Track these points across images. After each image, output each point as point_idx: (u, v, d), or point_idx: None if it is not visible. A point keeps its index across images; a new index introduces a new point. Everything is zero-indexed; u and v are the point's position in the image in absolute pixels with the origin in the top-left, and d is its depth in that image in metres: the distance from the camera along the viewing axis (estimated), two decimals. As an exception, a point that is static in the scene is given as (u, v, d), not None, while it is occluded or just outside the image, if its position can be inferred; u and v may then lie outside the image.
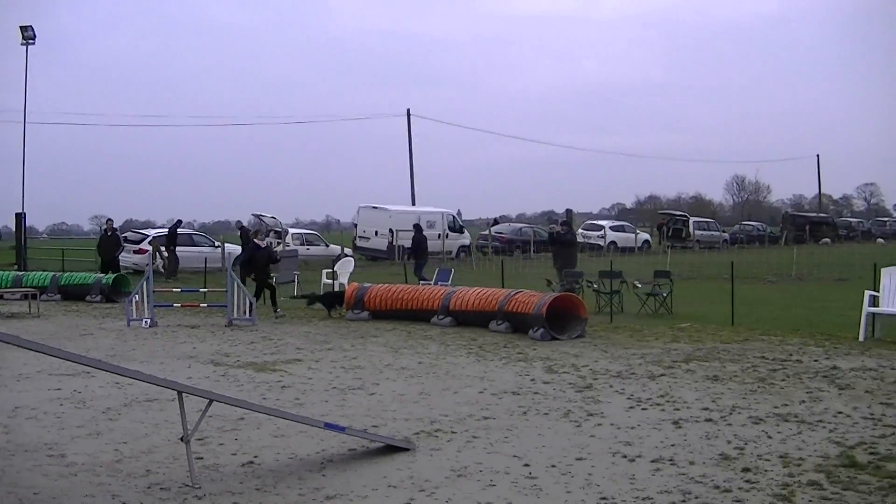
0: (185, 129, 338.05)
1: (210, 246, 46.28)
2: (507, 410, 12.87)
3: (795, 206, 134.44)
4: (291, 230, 55.13)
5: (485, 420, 12.28)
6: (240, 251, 37.78)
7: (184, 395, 9.65)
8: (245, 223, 43.45)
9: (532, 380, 15.28)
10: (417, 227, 38.23)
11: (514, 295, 21.75)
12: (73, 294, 30.88)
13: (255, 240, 27.24)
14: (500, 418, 12.39)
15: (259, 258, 26.39)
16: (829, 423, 11.85)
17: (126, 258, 40.18)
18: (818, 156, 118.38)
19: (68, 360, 9.60)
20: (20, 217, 45.05)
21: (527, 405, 13.20)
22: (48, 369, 16.19)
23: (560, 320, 20.48)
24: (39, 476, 9.77)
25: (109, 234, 37.12)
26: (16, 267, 40.93)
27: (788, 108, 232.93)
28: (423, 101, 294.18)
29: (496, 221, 69.93)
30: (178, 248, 41.78)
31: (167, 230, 43.63)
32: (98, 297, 30.17)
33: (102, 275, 32.58)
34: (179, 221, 45.88)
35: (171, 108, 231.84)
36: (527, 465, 10.00)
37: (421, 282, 32.15)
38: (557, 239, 29.34)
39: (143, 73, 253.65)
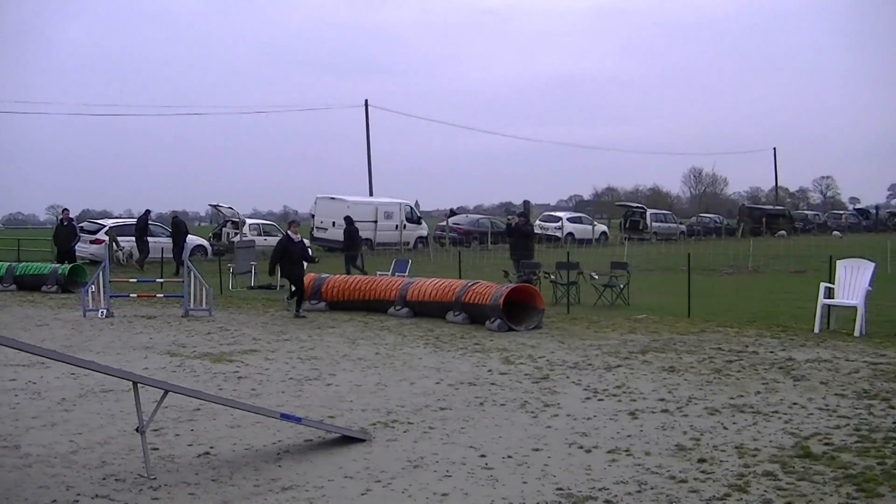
0: (142, 119, 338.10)
1: (167, 236, 46.02)
2: (463, 401, 12.89)
3: (752, 198, 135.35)
4: (249, 220, 55.01)
5: (441, 411, 12.29)
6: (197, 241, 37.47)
7: (139, 385, 9.61)
8: (178, 213, 43.13)
9: (489, 371, 15.30)
10: (348, 220, 38.18)
11: (472, 286, 21.77)
12: (29, 284, 30.57)
13: (288, 232, 25.31)
14: (457, 409, 12.40)
15: (292, 252, 24.26)
16: (785, 413, 11.93)
17: (82, 248, 39.93)
18: (775, 149, 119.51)
19: (23, 350, 9.53)
20: (-26, 206, 44.60)
21: (483, 396, 13.23)
22: (3, 360, 16.07)
23: (517, 311, 20.52)
24: (-8, 467, 9.72)
25: (66, 223, 36.90)
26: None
27: (746, 101, 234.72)
28: (381, 93, 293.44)
29: (453, 212, 69.83)
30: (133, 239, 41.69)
31: (136, 220, 43.27)
32: (54, 288, 29.91)
33: (58, 265, 32.33)
34: (149, 211, 45.29)
35: (129, 98, 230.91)
36: (483, 455, 10.01)
37: (352, 270, 32.30)
38: (516, 230, 29.27)
39: (101, 62, 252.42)
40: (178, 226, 41.31)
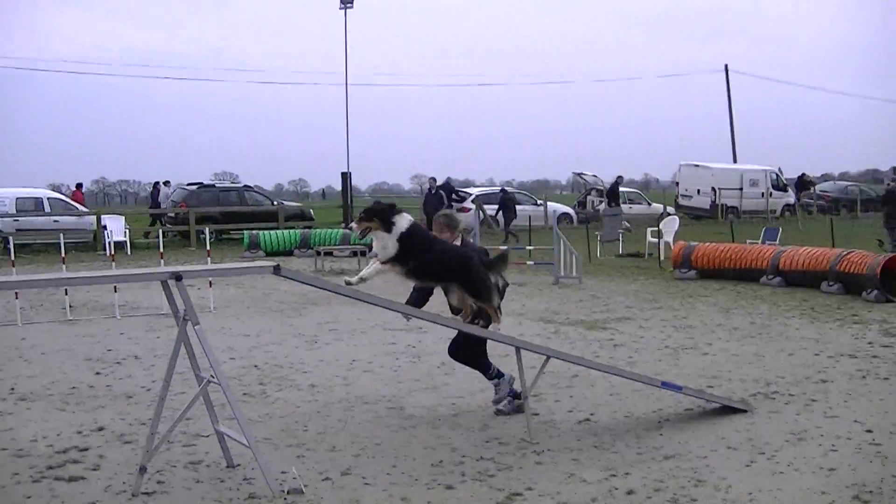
0: (513, 89, 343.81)
1: (532, 204, 46.90)
2: (844, 374, 12.51)
3: None
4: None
5: (822, 383, 11.96)
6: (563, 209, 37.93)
7: (521, 350, 9.77)
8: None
9: (869, 343, 14.80)
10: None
11: (846, 255, 21.11)
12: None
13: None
14: (838, 381, 12.05)
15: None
16: None
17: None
18: None
19: (405, 314, 9.88)
20: (346, 176, 46.16)
21: (865, 368, 12.80)
22: (382, 324, 16.70)
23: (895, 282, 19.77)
24: (381, 427, 10.13)
25: (434, 191, 37.94)
26: (343, 225, 42.10)
27: None
28: (736, 58, 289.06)
29: (804, 180, 67.95)
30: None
31: (609, 187, 43.58)
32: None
33: (430, 232, 33.16)
34: (620, 178, 45.51)
35: (488, 68, 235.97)
36: (869, 430, 9.70)
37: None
38: (894, 195, 27.86)
39: (450, 31, 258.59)
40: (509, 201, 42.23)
